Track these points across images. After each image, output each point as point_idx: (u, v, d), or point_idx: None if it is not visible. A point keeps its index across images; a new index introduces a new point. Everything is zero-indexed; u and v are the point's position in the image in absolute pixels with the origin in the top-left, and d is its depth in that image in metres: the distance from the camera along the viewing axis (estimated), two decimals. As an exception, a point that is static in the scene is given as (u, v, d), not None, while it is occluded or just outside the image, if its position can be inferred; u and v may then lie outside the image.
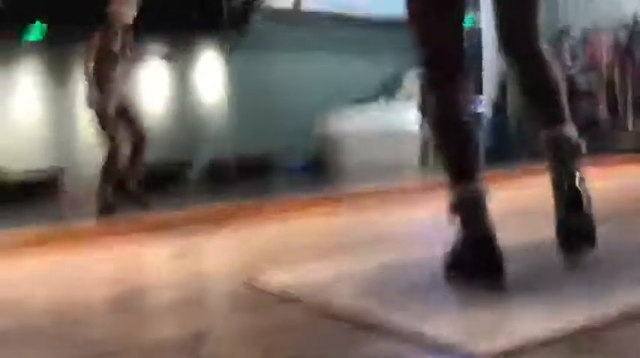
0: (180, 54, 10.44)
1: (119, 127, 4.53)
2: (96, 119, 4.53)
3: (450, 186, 1.67)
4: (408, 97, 11.05)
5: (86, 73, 4.54)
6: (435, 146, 1.81)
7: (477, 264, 1.57)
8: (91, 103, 4.48)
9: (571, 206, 1.60)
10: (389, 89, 11.43)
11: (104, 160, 4.49)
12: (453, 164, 1.70)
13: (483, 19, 9.05)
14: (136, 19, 4.71)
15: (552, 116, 1.65)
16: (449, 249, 1.67)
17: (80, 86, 8.03)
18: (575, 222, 1.60)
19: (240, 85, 10.73)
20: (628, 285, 1.39)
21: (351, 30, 11.45)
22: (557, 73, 1.72)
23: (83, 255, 3.12)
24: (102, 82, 4.52)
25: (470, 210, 1.61)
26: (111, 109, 4.51)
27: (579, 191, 1.61)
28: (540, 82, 1.70)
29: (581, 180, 1.62)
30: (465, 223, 1.61)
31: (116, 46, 4.55)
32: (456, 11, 1.74)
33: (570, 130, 1.63)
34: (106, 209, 4.46)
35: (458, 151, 1.70)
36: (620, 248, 1.89)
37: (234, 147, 9.92)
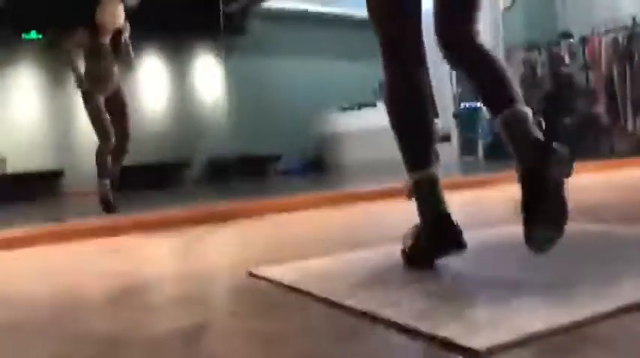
0: (177, 55, 10.47)
1: (110, 123, 4.58)
2: (88, 115, 4.61)
3: (407, 169, 1.74)
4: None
5: (69, 61, 4.59)
6: (392, 130, 1.80)
7: (437, 241, 1.66)
8: (80, 84, 4.54)
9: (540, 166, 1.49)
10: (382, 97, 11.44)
11: (96, 156, 4.58)
12: (411, 149, 1.75)
13: (481, 21, 9.08)
14: (134, 23, 4.77)
15: (506, 99, 1.62)
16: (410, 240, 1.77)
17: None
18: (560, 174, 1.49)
19: (239, 86, 10.75)
20: (627, 280, 1.39)
21: (348, 31, 11.47)
22: (501, 62, 1.71)
23: (84, 250, 3.13)
24: (92, 79, 4.59)
25: (427, 193, 1.69)
26: (101, 106, 4.56)
27: (548, 150, 1.50)
28: (488, 71, 1.69)
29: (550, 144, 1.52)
30: (423, 205, 1.70)
31: (106, 41, 4.60)
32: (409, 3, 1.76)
33: (527, 110, 1.60)
34: (107, 204, 4.53)
35: (415, 136, 1.75)
36: (620, 244, 1.90)
37: (234, 147, 9.93)
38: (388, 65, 1.82)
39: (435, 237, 1.68)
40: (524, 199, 1.51)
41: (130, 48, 4.75)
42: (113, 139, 4.55)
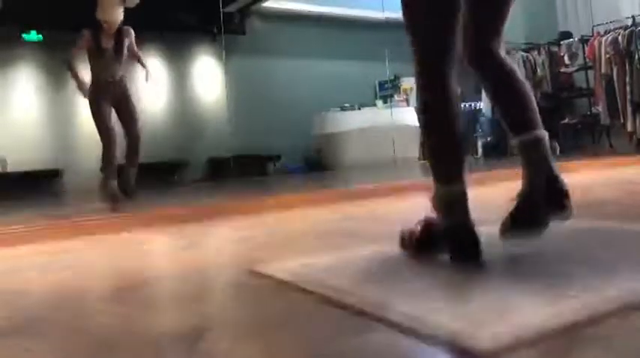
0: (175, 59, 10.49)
1: (113, 130, 4.63)
2: (92, 115, 4.65)
3: (436, 182, 1.76)
4: (406, 97, 11.09)
5: (72, 68, 4.64)
6: (424, 141, 1.85)
7: (457, 249, 1.70)
8: (84, 92, 4.59)
9: (553, 200, 1.70)
10: (386, 90, 11.45)
11: (101, 160, 4.64)
12: (442, 163, 1.78)
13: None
14: (134, 23, 4.80)
15: (527, 123, 1.73)
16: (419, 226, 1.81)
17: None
18: (546, 217, 1.70)
19: (238, 86, 10.75)
20: (628, 276, 1.39)
21: (348, 31, 11.47)
22: (524, 82, 1.79)
23: (83, 249, 3.13)
24: (97, 85, 4.65)
25: (454, 207, 1.72)
26: (104, 106, 4.59)
27: (565, 191, 1.70)
28: (511, 92, 1.77)
29: (558, 177, 1.71)
30: (447, 215, 1.72)
31: (107, 44, 4.62)
32: (455, 5, 1.76)
33: (544, 134, 1.73)
34: (112, 201, 4.57)
35: (446, 151, 1.77)
36: (620, 243, 1.90)
37: (233, 146, 9.93)
38: (431, 80, 1.79)
39: (455, 246, 1.71)
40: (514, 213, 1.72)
41: (143, 60, 4.82)
42: (116, 146, 4.59)
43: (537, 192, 1.70)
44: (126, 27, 4.74)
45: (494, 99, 1.84)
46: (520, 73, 1.82)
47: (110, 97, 4.66)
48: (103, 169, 4.70)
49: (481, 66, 1.83)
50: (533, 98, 1.78)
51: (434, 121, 1.80)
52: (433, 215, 1.79)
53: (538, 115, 1.75)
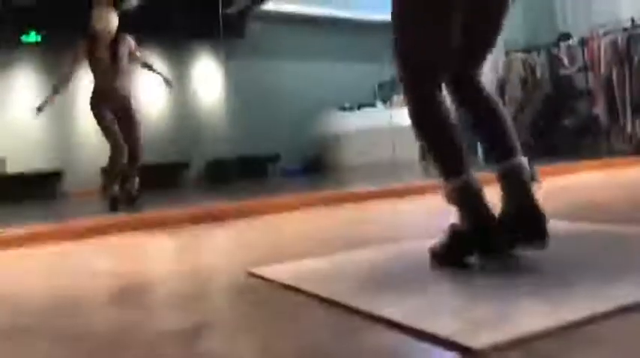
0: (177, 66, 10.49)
1: (119, 132, 4.69)
2: (96, 121, 4.72)
3: (444, 180, 1.78)
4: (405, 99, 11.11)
5: (65, 74, 4.75)
6: (424, 144, 1.87)
7: (486, 246, 1.71)
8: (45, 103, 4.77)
9: (532, 227, 1.71)
10: (386, 91, 11.46)
11: (108, 162, 4.69)
12: (445, 160, 1.79)
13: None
14: (134, 25, 4.83)
15: (507, 149, 1.78)
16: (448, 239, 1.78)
17: (78, 86, 8.06)
18: (536, 243, 1.72)
19: (238, 88, 10.75)
20: (626, 280, 1.39)
21: (347, 34, 11.48)
22: (503, 110, 1.84)
23: (84, 250, 3.13)
24: (97, 91, 4.72)
25: (468, 198, 1.74)
26: (105, 111, 4.62)
27: (542, 215, 1.71)
28: (492, 119, 1.82)
29: (537, 207, 1.73)
30: (465, 211, 1.73)
31: (103, 53, 4.65)
32: (453, 17, 1.76)
33: (523, 161, 1.77)
34: (112, 204, 4.63)
35: (448, 147, 1.78)
36: (619, 244, 1.90)
37: (233, 148, 9.93)
38: (419, 88, 1.82)
39: (484, 244, 1.73)
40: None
41: (153, 66, 4.87)
42: (123, 149, 4.62)
43: (511, 222, 1.73)
44: (122, 34, 4.75)
45: (475, 125, 1.87)
46: (498, 100, 1.86)
47: (110, 105, 4.70)
48: (107, 170, 4.72)
49: (461, 91, 1.88)
50: (511, 124, 1.83)
51: (427, 131, 1.83)
52: (455, 220, 1.80)
53: (517, 142, 1.80)
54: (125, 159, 4.66)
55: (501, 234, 1.73)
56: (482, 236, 1.71)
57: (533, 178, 1.76)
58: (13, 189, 8.59)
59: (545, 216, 1.71)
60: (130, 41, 4.81)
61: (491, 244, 1.71)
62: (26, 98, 9.38)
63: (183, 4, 9.86)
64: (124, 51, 4.75)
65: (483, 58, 1.87)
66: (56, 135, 9.55)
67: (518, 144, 1.80)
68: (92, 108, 4.70)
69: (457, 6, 1.74)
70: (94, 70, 4.74)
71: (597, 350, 1.02)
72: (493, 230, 1.71)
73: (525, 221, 1.71)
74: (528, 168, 1.76)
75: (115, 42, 4.72)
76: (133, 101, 4.85)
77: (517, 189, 1.74)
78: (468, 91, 1.86)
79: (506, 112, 1.85)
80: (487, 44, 1.86)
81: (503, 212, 1.76)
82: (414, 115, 1.84)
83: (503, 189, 1.78)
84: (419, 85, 1.81)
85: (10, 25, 8.71)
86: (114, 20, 4.68)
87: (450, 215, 1.89)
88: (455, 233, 1.77)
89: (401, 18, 1.78)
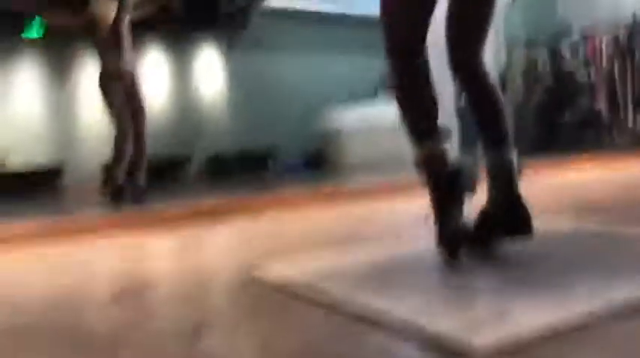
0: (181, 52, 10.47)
1: (125, 113, 4.60)
2: (103, 101, 4.65)
3: (415, 147, 1.88)
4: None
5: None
6: (399, 111, 1.96)
7: (452, 194, 1.79)
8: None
9: (517, 220, 1.77)
10: (388, 86, 11.41)
11: (113, 143, 4.57)
12: (417, 127, 1.88)
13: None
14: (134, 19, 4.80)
15: (496, 139, 1.83)
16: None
17: (80, 81, 8.05)
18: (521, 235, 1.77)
19: (240, 82, 10.73)
20: (626, 280, 1.39)
21: (350, 28, 11.44)
22: (501, 98, 1.88)
23: (84, 247, 3.14)
24: (104, 70, 4.65)
25: (436, 166, 1.82)
26: (114, 94, 4.57)
27: (527, 212, 1.75)
28: (485, 106, 1.87)
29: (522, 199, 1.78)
30: (433, 177, 1.82)
31: (106, 34, 4.63)
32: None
33: (512, 153, 1.82)
34: (116, 192, 4.52)
35: (421, 114, 1.88)
36: (620, 243, 1.90)
37: (234, 143, 9.92)
38: (395, 62, 1.91)
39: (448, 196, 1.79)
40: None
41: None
42: (129, 133, 4.55)
43: (499, 213, 1.78)
44: (121, 13, 4.68)
45: (473, 111, 1.92)
46: (499, 89, 1.91)
47: (119, 84, 4.62)
48: (111, 157, 4.60)
49: (461, 76, 1.93)
50: (507, 116, 1.87)
51: (404, 99, 1.91)
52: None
53: (511, 134, 1.84)
54: (130, 147, 4.56)
55: (487, 225, 1.79)
56: (438, 200, 1.78)
57: (519, 170, 1.80)
58: (14, 184, 8.59)
59: (528, 208, 1.76)
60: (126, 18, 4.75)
61: (443, 210, 1.77)
62: (27, 94, 9.38)
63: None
64: (125, 30, 4.70)
65: (477, 41, 1.89)
66: (57, 131, 9.54)
67: (511, 138, 1.84)
68: (100, 88, 4.61)
69: None
70: (100, 52, 4.68)
71: (597, 350, 1.02)
72: (448, 199, 1.78)
73: (510, 212, 1.76)
74: (516, 160, 1.81)
75: (117, 22, 4.67)
76: (139, 85, 4.77)
77: (503, 179, 1.79)
78: (468, 77, 1.91)
79: (505, 104, 1.89)
80: (478, 27, 1.89)
81: (489, 201, 1.82)
82: (393, 79, 1.93)
83: (490, 178, 1.84)
84: (394, 59, 1.90)
85: (12, 18, 8.68)
86: (113, 9, 4.66)
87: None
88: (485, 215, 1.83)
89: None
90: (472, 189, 1.87)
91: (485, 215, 1.80)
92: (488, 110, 1.85)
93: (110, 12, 4.65)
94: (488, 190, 1.83)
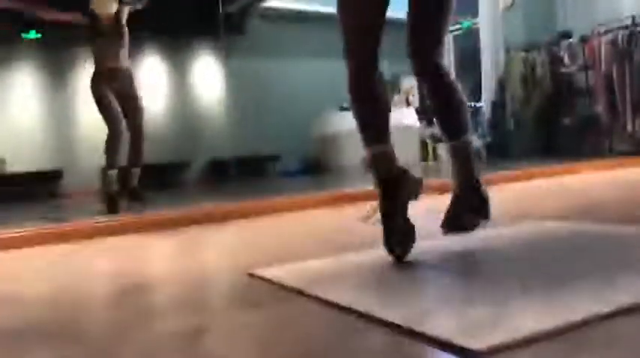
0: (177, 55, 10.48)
1: (119, 115, 4.51)
2: (97, 106, 4.54)
3: (365, 146, 1.99)
4: (406, 98, 11.10)
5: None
6: (353, 113, 2.09)
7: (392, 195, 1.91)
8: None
9: (475, 205, 1.97)
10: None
11: (105, 144, 4.46)
12: (369, 128, 2.00)
13: (481, 21, 9.09)
14: (136, 23, 4.78)
15: (457, 131, 2.00)
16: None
17: (79, 85, 8.04)
18: (472, 222, 1.99)
19: (239, 86, 10.74)
20: (625, 282, 1.39)
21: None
22: (461, 94, 2.01)
23: (83, 251, 3.13)
24: (97, 63, 4.60)
25: (383, 164, 1.95)
26: (109, 93, 4.49)
27: (485, 196, 1.97)
28: (446, 103, 2.01)
29: (480, 185, 1.99)
30: (379, 174, 1.94)
31: (105, 33, 4.60)
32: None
33: (471, 138, 2.00)
34: (110, 199, 4.42)
35: (373, 118, 2.00)
36: (619, 245, 1.90)
37: (233, 147, 9.93)
38: (350, 66, 2.04)
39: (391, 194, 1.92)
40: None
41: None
42: (122, 126, 4.46)
43: (466, 197, 1.98)
44: (121, 10, 4.64)
45: (434, 107, 2.05)
46: (458, 85, 2.02)
47: (114, 85, 4.54)
48: (105, 159, 4.48)
49: (424, 79, 2.03)
50: (467, 106, 2.03)
51: (355, 102, 2.04)
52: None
53: (469, 121, 2.01)
54: (122, 148, 4.45)
55: (459, 208, 1.97)
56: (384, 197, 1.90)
57: (479, 157, 1.91)
58: (13, 189, 8.58)
59: (487, 194, 1.95)
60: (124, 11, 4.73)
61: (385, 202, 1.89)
62: (26, 98, 9.38)
63: (183, 1, 9.83)
64: (124, 31, 4.67)
65: (435, 49, 1.99)
66: (55, 135, 9.54)
67: (469, 124, 2.00)
68: (93, 89, 4.51)
69: None
70: (96, 51, 4.62)
71: (597, 350, 1.02)
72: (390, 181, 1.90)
73: (469, 196, 1.97)
74: (476, 147, 1.97)
75: (116, 22, 4.64)
76: (136, 84, 4.70)
77: (463, 164, 1.97)
78: (427, 71, 2.01)
79: (465, 98, 2.02)
80: (435, 38, 2.00)
81: (453, 187, 2.00)
82: (349, 84, 2.03)
83: (454, 165, 2.00)
84: (352, 57, 2.02)
85: (10, 21, 8.69)
86: (113, 5, 4.64)
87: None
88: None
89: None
90: (417, 191, 1.96)
91: (457, 198, 1.99)
92: (451, 104, 1.99)
93: (110, 6, 4.61)
94: (454, 176, 2.00)
